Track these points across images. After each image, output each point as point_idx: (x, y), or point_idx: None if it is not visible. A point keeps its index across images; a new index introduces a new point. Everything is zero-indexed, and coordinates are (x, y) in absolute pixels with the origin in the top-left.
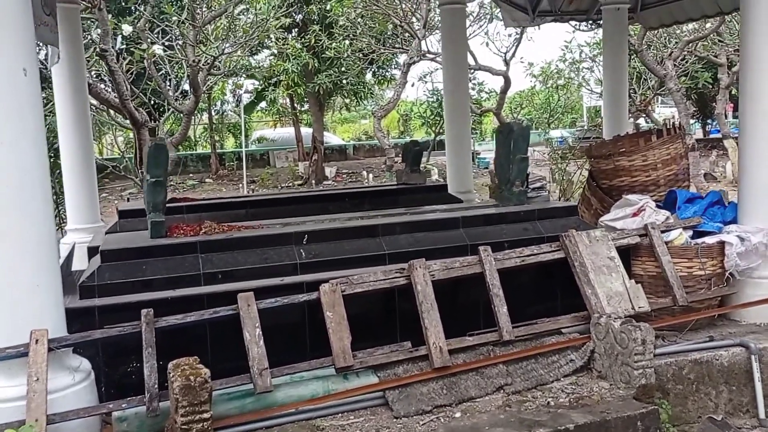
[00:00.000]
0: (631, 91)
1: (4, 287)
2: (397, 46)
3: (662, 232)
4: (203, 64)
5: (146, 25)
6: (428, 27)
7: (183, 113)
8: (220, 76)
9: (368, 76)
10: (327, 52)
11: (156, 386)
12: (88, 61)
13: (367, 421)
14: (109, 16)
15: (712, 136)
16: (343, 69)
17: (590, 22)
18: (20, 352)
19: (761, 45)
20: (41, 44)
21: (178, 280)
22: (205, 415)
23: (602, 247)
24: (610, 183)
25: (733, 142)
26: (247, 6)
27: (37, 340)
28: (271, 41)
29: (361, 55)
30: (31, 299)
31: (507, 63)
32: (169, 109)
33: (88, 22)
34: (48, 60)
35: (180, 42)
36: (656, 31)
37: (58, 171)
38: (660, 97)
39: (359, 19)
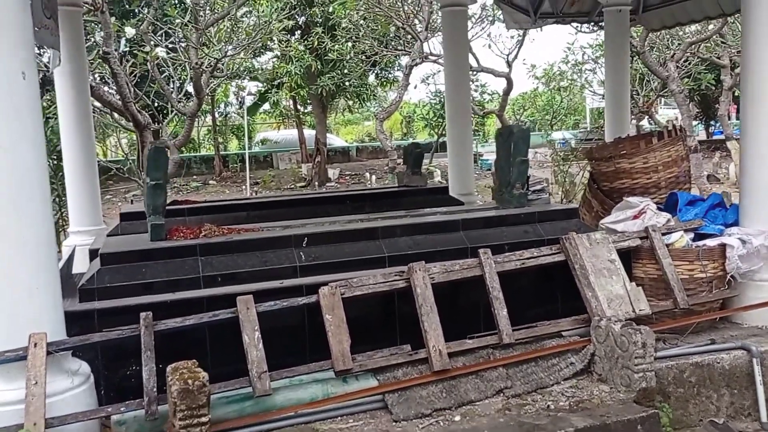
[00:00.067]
0: (633, 93)
1: (2, 290)
2: (399, 48)
3: (663, 234)
4: (206, 67)
5: (149, 27)
6: (430, 29)
7: (186, 115)
8: (223, 79)
9: (371, 78)
10: (330, 54)
11: (155, 390)
12: (92, 64)
13: (366, 424)
14: (113, 18)
15: (715, 137)
16: (345, 71)
17: (592, 23)
18: (19, 356)
19: (762, 47)
20: (44, 47)
21: (177, 283)
22: (204, 419)
23: (603, 250)
24: (611, 185)
25: (736, 143)
26: (250, 8)
27: (35, 344)
28: (274, 43)
29: (363, 57)
30: (30, 302)
31: (509, 65)
32: (172, 112)
33: (92, 24)
34: (50, 63)
35: (183, 44)
36: (659, 33)
37: (60, 173)
38: (663, 99)
39: (362, 21)
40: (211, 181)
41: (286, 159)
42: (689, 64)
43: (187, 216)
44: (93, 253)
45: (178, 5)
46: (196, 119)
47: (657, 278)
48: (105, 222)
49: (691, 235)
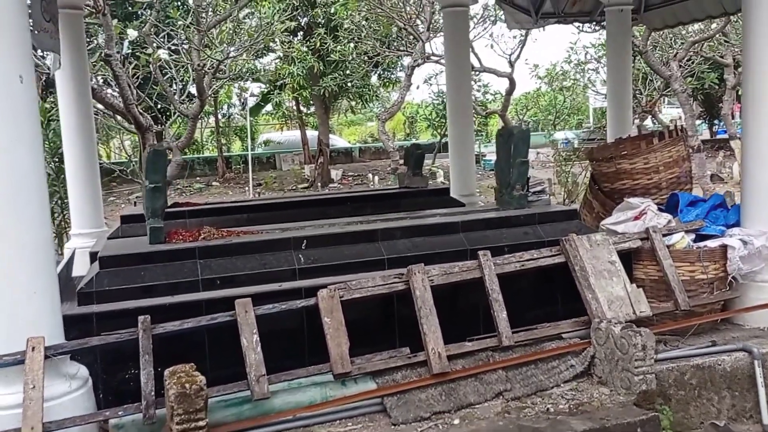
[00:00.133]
0: (636, 92)
1: (0, 293)
2: (401, 48)
3: (664, 235)
4: (208, 68)
5: (152, 29)
6: (432, 29)
7: (188, 117)
8: (225, 80)
9: (373, 78)
10: (332, 55)
11: (153, 393)
12: (94, 66)
13: (365, 427)
14: (115, 21)
15: (719, 137)
16: (348, 72)
17: (594, 23)
18: (17, 360)
19: (763, 47)
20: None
21: (176, 286)
22: (201, 423)
23: (603, 251)
24: (612, 186)
25: (739, 143)
26: (252, 10)
27: (33, 348)
28: (277, 45)
29: (366, 57)
30: (28, 305)
31: (512, 65)
32: (175, 113)
33: (95, 27)
34: (51, 66)
35: (185, 46)
36: (662, 32)
37: (63, 176)
38: (666, 98)
39: (364, 22)
40: (214, 183)
41: (289, 160)
42: (692, 63)
43: (187, 218)
44: (93, 256)
45: (180, 7)
46: (199, 121)
47: (658, 279)
48: (107, 224)
49: (692, 236)
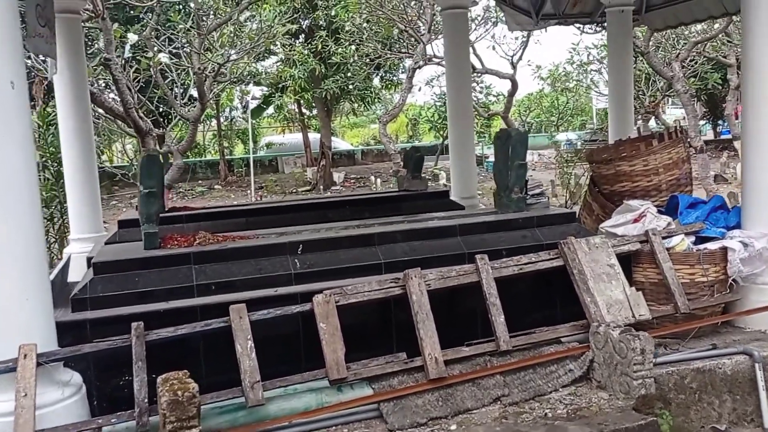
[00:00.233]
0: (639, 93)
1: None
2: (403, 50)
3: (664, 238)
4: (209, 72)
5: (152, 33)
6: (433, 31)
7: (189, 121)
8: (226, 83)
9: (375, 80)
10: (334, 58)
11: (146, 401)
12: (95, 70)
13: None
14: (116, 25)
15: (723, 137)
16: (349, 74)
17: (595, 24)
18: (8, 367)
19: (763, 47)
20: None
21: (171, 292)
22: (194, 431)
23: (602, 254)
24: (612, 188)
25: None
26: (253, 13)
27: (25, 355)
28: (278, 47)
29: (367, 60)
30: (20, 313)
31: (514, 66)
32: (176, 117)
33: (96, 31)
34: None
35: (186, 49)
36: (665, 33)
37: (62, 180)
38: (670, 99)
39: (365, 24)
40: (216, 186)
41: (291, 163)
42: (695, 63)
43: (185, 223)
44: (90, 261)
45: (181, 10)
46: (202, 124)
47: (657, 282)
48: (108, 229)
49: (692, 238)
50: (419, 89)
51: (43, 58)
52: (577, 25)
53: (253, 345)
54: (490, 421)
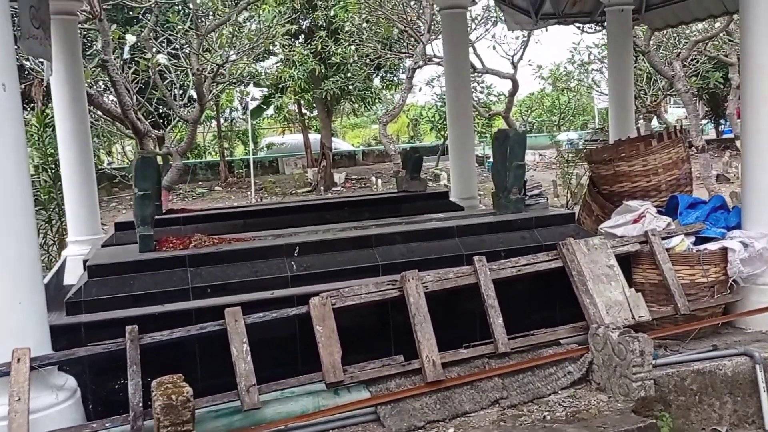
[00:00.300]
0: (641, 93)
1: None
2: (403, 50)
3: (663, 238)
4: (208, 73)
5: (151, 34)
6: (433, 31)
7: (188, 122)
8: (225, 84)
9: (375, 81)
10: (333, 58)
11: (140, 405)
12: (93, 72)
13: None
14: (114, 26)
15: (725, 136)
16: (349, 74)
17: (595, 23)
18: (1, 371)
19: (762, 47)
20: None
21: (166, 295)
22: None
23: (601, 255)
24: (611, 189)
25: None
26: (252, 14)
27: (18, 359)
28: (278, 48)
29: (367, 60)
30: (13, 317)
31: (514, 66)
32: (175, 118)
33: (94, 33)
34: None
35: (186, 50)
36: (665, 32)
37: (60, 182)
38: (672, 98)
39: (365, 25)
40: (216, 187)
41: (292, 164)
42: (697, 62)
43: (182, 225)
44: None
45: (180, 11)
46: (201, 125)
47: (657, 283)
48: (107, 231)
49: (692, 238)
50: (420, 89)
51: (40, 60)
52: (577, 24)
53: (248, 348)
54: (489, 424)
